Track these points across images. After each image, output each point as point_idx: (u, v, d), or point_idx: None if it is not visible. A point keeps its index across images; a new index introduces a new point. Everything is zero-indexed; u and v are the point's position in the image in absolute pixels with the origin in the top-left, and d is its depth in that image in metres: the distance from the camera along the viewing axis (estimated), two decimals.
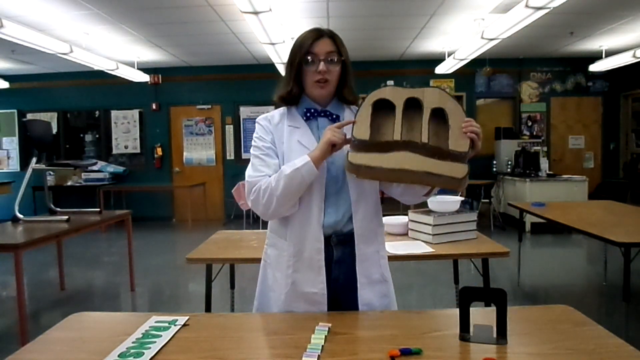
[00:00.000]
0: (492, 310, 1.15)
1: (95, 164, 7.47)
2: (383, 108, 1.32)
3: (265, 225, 1.51)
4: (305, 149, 1.38)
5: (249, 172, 1.41)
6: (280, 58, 6.39)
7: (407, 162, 1.27)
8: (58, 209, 3.94)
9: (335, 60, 1.39)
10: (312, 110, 1.43)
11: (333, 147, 1.31)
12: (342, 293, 1.43)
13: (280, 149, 1.42)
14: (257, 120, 1.49)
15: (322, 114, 1.43)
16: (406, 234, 2.62)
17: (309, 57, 1.37)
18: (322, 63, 1.36)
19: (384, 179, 1.33)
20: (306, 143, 1.40)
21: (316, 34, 1.38)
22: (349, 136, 1.33)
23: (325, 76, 1.37)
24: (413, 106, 1.32)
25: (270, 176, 1.36)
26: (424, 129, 1.29)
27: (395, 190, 1.46)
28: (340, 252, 1.42)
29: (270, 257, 1.50)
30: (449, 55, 6.93)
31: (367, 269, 1.43)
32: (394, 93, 1.33)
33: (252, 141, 1.47)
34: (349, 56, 1.44)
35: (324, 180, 1.38)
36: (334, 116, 1.44)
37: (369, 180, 1.37)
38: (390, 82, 7.84)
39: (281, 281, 1.43)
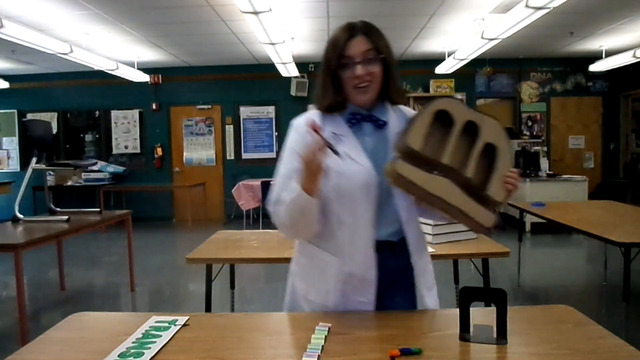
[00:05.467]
0: (492, 310, 1.15)
1: (95, 164, 7.48)
2: (439, 119, 1.24)
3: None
4: (353, 162, 1.26)
5: (272, 191, 1.30)
6: (280, 58, 6.39)
7: (446, 192, 1.21)
8: (58, 209, 3.94)
9: (374, 59, 1.24)
10: (358, 116, 1.30)
11: (317, 167, 1.15)
12: (388, 297, 1.37)
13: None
14: (294, 124, 1.34)
15: (368, 119, 1.30)
16: None
17: (343, 62, 1.24)
18: (359, 67, 1.23)
19: (416, 196, 1.24)
20: (354, 154, 1.26)
21: (348, 33, 1.24)
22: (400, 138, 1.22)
23: (366, 79, 1.24)
24: (467, 129, 1.25)
25: None
26: (473, 161, 1.23)
27: (420, 210, 1.38)
28: (379, 258, 1.31)
29: (305, 267, 1.40)
30: (449, 55, 6.94)
31: (426, 280, 1.39)
32: (458, 109, 1.24)
33: (284, 147, 1.33)
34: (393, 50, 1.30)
35: (373, 196, 1.27)
36: (381, 122, 1.31)
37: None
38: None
39: (328, 293, 1.34)
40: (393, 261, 1.33)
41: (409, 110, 1.40)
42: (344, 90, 1.28)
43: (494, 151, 1.25)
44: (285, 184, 1.26)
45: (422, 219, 1.45)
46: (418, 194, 1.22)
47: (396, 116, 1.35)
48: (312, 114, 1.34)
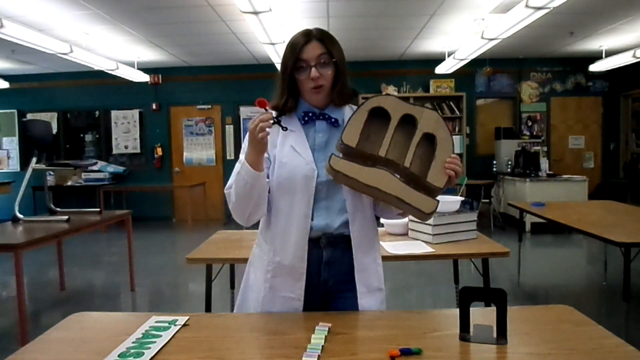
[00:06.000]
0: (492, 310, 1.15)
1: (95, 164, 7.48)
2: (379, 115, 1.31)
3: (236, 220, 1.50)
4: (297, 155, 1.36)
5: (230, 178, 1.38)
6: (280, 58, 6.38)
7: (382, 182, 1.27)
8: (58, 209, 3.94)
9: (327, 62, 1.34)
10: (310, 114, 1.40)
11: (260, 141, 1.22)
12: (335, 298, 1.42)
13: (272, 152, 1.38)
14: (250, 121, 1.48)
15: (320, 117, 1.40)
16: (406, 234, 2.62)
17: (300, 64, 1.34)
18: (313, 69, 1.32)
19: (358, 190, 1.32)
20: (299, 148, 1.37)
21: (304, 39, 1.34)
22: (338, 138, 1.30)
23: (319, 82, 1.34)
24: (408, 122, 1.32)
25: None
26: (410, 152, 1.29)
27: (377, 210, 1.45)
28: (329, 254, 1.39)
29: (255, 256, 1.50)
30: (449, 55, 6.93)
31: (367, 278, 1.41)
32: (394, 105, 1.32)
33: (243, 141, 1.42)
34: (345, 54, 1.40)
35: (311, 188, 1.35)
36: (333, 119, 1.40)
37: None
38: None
39: (260, 283, 1.42)
40: (330, 249, 1.39)
41: None
42: (300, 91, 1.39)
43: (434, 140, 1.31)
44: (238, 168, 1.35)
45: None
46: (357, 187, 1.30)
47: (351, 110, 1.42)
48: (273, 112, 1.41)
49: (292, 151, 1.37)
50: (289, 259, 1.36)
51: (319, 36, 1.35)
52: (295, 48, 1.34)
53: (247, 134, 1.28)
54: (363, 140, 1.29)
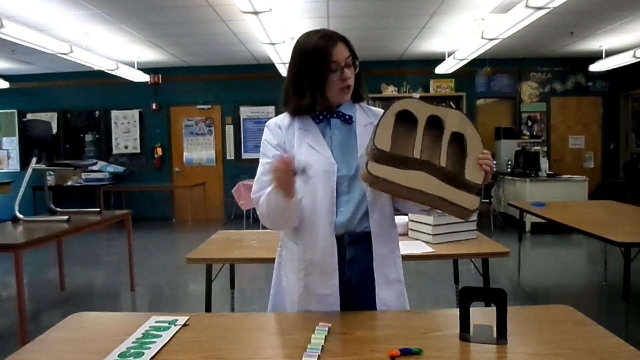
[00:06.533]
0: (492, 310, 1.15)
1: (95, 164, 7.47)
2: (402, 119, 1.30)
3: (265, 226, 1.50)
4: (315, 152, 1.38)
5: (254, 183, 1.42)
6: (280, 58, 6.39)
7: (424, 183, 1.25)
8: (58, 209, 3.94)
9: (355, 64, 1.39)
10: (325, 113, 1.42)
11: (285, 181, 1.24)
12: (355, 294, 1.42)
13: (290, 153, 1.40)
14: (266, 124, 1.48)
15: (335, 115, 1.43)
16: (406, 234, 2.62)
17: (332, 66, 1.35)
18: (346, 70, 1.36)
19: (397, 195, 1.31)
20: (317, 146, 1.39)
21: (331, 41, 1.35)
22: (369, 142, 1.29)
23: (349, 82, 1.37)
24: (432, 124, 1.31)
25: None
26: (442, 152, 1.28)
27: (399, 203, 1.46)
28: (353, 252, 1.40)
29: (284, 259, 1.50)
30: (449, 55, 6.94)
31: (384, 269, 1.42)
32: (418, 107, 1.31)
33: (261, 145, 1.46)
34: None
35: (332, 183, 1.37)
36: (347, 116, 1.43)
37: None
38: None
39: (294, 284, 1.43)
40: (353, 247, 1.40)
41: (374, 108, 1.52)
42: (325, 92, 1.39)
43: (462, 139, 1.30)
44: (262, 181, 1.39)
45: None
46: (397, 191, 1.27)
47: (363, 112, 1.48)
48: (285, 115, 1.46)
49: (310, 149, 1.39)
50: (319, 255, 1.37)
51: (342, 37, 1.38)
52: (324, 51, 1.34)
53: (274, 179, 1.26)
54: (392, 144, 1.27)
